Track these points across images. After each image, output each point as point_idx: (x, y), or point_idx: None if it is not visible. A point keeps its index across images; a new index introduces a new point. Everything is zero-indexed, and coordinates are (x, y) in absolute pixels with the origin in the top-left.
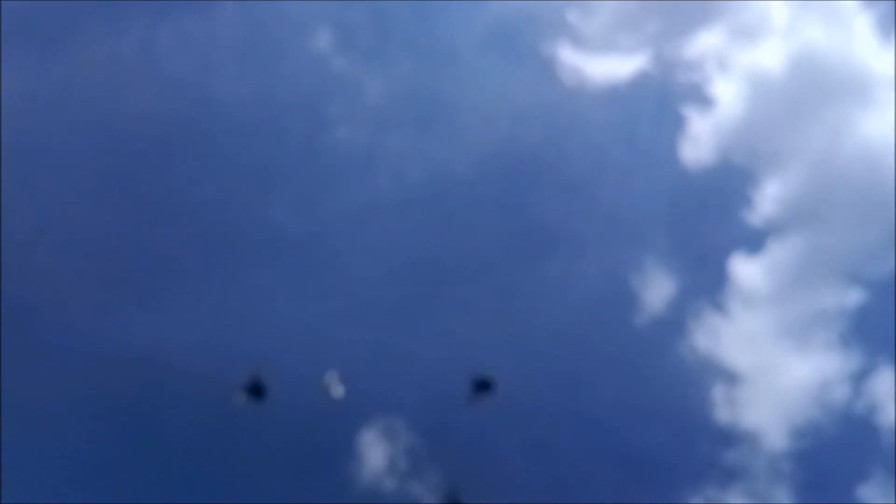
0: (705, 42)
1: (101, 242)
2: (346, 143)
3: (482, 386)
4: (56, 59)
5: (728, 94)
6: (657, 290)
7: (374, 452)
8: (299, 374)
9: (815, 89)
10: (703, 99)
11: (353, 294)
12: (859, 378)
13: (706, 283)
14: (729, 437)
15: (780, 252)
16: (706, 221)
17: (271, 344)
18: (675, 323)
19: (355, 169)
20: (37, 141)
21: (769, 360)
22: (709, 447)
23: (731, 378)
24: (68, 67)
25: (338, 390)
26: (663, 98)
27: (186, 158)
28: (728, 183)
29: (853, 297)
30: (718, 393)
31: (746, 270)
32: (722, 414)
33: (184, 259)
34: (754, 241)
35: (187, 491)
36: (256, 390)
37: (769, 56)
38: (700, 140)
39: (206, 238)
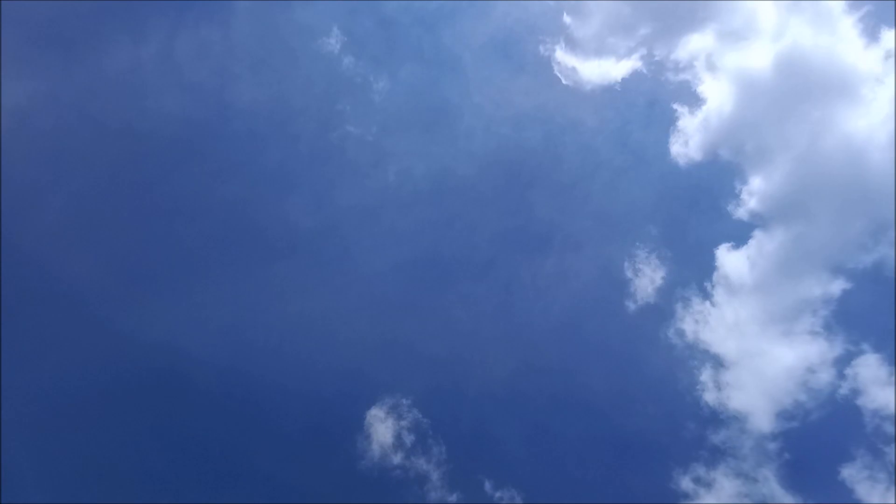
0: (695, 44)
1: (124, 240)
2: (355, 144)
3: None
4: (76, 66)
5: (717, 94)
6: (648, 279)
7: (382, 430)
8: (311, 362)
9: (801, 88)
10: (692, 98)
11: (362, 287)
12: (843, 363)
13: (695, 274)
14: (717, 420)
15: (766, 244)
16: (696, 215)
17: (285, 334)
18: (665, 311)
19: (364, 169)
20: (59, 144)
21: (756, 346)
22: (697, 428)
23: (719, 363)
24: (88, 75)
25: None
26: (655, 98)
27: (204, 159)
28: (717, 178)
29: (837, 286)
30: (707, 377)
31: (734, 261)
32: (710, 397)
33: (202, 254)
34: (741, 234)
35: (200, 476)
36: None
37: (757, 57)
38: (689, 137)
39: (224, 235)
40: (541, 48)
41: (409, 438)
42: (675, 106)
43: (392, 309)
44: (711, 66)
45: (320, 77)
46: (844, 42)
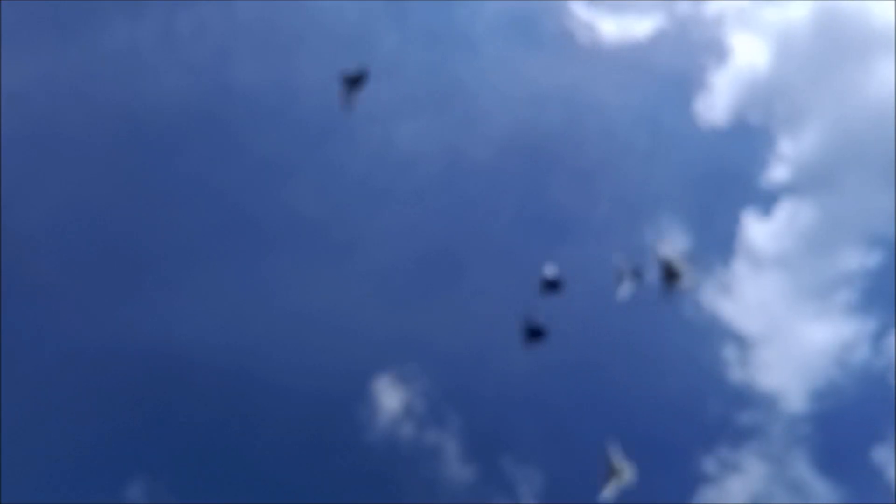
0: None
1: (117, 230)
2: (362, 129)
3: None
4: (73, 46)
5: (747, 52)
6: (673, 251)
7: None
8: (314, 360)
9: (840, 46)
10: (721, 57)
11: (369, 279)
12: (879, 338)
13: (721, 248)
14: (744, 399)
15: (799, 213)
16: (724, 182)
17: (285, 329)
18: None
19: (371, 154)
20: (53, 129)
21: (786, 322)
22: (723, 408)
23: (748, 340)
24: (85, 54)
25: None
26: (680, 58)
27: (203, 145)
28: (747, 143)
29: (873, 258)
30: (732, 354)
31: (766, 232)
32: (736, 375)
33: (200, 245)
34: (774, 203)
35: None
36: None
37: (793, 11)
38: (717, 100)
39: (223, 225)
40: (559, 5)
41: (421, 441)
42: (701, 66)
43: (401, 302)
44: (743, 22)
45: (325, 55)
46: None
